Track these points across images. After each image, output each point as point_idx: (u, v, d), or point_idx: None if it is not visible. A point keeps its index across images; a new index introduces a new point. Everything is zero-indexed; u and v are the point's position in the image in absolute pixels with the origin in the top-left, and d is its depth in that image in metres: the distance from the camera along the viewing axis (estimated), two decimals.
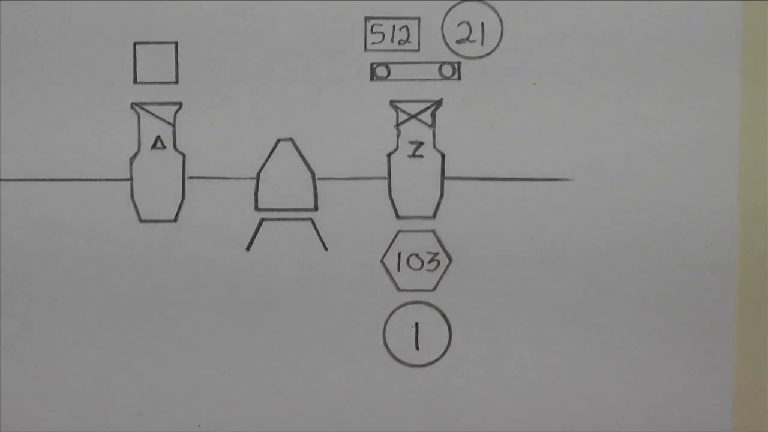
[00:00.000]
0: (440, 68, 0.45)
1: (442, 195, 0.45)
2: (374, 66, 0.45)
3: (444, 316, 0.46)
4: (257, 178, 0.45)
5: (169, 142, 0.45)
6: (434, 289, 0.46)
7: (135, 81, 0.45)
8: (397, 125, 0.45)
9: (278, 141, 0.45)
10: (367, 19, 0.45)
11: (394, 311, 0.46)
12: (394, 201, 0.46)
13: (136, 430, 0.46)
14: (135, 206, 0.45)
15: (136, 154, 0.45)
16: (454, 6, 0.45)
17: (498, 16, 0.45)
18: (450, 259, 0.46)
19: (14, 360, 0.46)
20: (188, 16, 0.45)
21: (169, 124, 0.45)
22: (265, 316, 0.46)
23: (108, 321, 0.46)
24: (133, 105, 0.45)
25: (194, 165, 0.45)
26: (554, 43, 0.45)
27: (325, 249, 0.46)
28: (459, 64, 0.45)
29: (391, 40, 0.45)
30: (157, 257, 0.45)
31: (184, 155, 0.45)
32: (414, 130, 0.45)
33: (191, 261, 0.45)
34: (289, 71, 0.45)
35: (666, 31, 0.44)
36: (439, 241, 0.46)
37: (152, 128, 0.45)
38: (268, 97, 0.45)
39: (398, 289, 0.46)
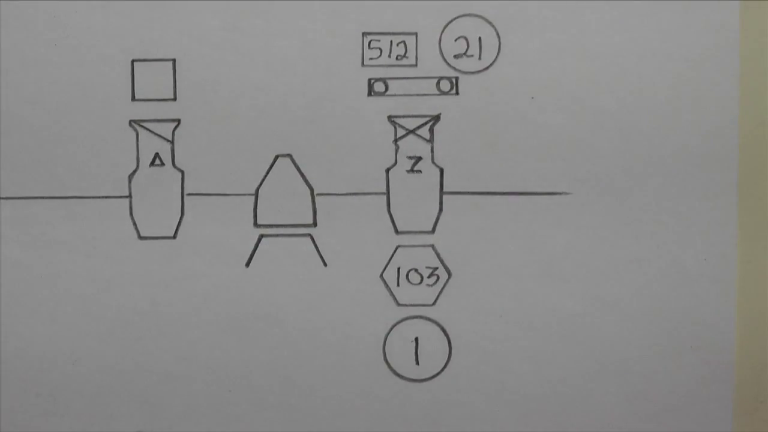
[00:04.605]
0: (438, 83, 0.45)
1: (440, 209, 0.45)
2: (372, 81, 0.45)
3: (444, 330, 0.46)
4: (256, 194, 0.45)
5: (167, 159, 0.45)
6: (434, 303, 0.46)
7: (133, 98, 0.45)
8: (396, 140, 0.45)
9: (277, 157, 0.45)
10: (364, 34, 0.45)
11: (393, 326, 0.46)
12: (393, 216, 0.46)
13: None
14: (134, 223, 0.45)
15: (134, 171, 0.45)
16: (451, 21, 0.45)
17: (495, 30, 0.45)
18: (449, 274, 0.46)
19: (14, 377, 0.46)
20: (186, 33, 0.45)
21: (168, 140, 0.45)
22: (264, 331, 0.46)
23: (108, 338, 0.46)
24: (131, 122, 0.45)
25: (193, 181, 0.45)
26: (552, 57, 0.45)
27: (325, 264, 0.46)
28: (457, 78, 0.45)
29: (389, 56, 0.45)
30: (156, 274, 0.45)
31: (182, 172, 0.45)
32: (412, 145, 0.45)
33: (191, 277, 0.45)
34: (287, 87, 0.45)
35: (663, 45, 0.44)
36: (438, 256, 0.46)
37: (151, 145, 0.45)
38: (266, 113, 0.45)
39: (398, 304, 0.46)
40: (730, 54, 0.44)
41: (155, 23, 0.45)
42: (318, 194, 0.45)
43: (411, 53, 0.45)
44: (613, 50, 0.44)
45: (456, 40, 0.45)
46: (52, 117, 0.45)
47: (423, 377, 0.46)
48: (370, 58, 0.45)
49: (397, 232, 0.46)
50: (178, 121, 0.45)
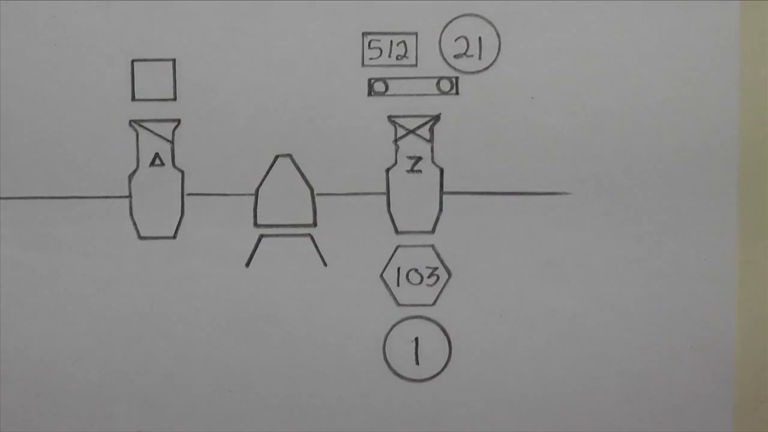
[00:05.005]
0: (438, 83, 0.45)
1: (440, 209, 0.45)
2: (372, 81, 0.45)
3: (444, 330, 0.46)
4: (256, 195, 0.45)
5: (167, 159, 0.45)
6: (434, 303, 0.46)
7: (133, 98, 0.45)
8: (396, 140, 0.45)
9: (277, 157, 0.45)
10: (364, 34, 0.45)
11: (393, 326, 0.46)
12: (393, 216, 0.46)
13: None
14: (134, 223, 0.45)
15: (134, 171, 0.45)
16: (451, 21, 0.45)
17: (495, 30, 0.45)
18: (449, 274, 0.46)
19: (15, 377, 0.46)
20: (186, 33, 0.45)
21: (168, 140, 0.45)
22: (264, 331, 0.46)
23: (108, 338, 0.46)
24: (131, 122, 0.45)
25: (193, 181, 0.45)
26: (552, 57, 0.45)
27: (325, 264, 0.46)
28: (457, 78, 0.45)
29: (389, 56, 0.45)
30: (156, 274, 0.45)
31: (182, 172, 0.45)
32: (412, 145, 0.45)
33: (191, 277, 0.45)
34: (287, 87, 0.45)
35: (663, 45, 0.44)
36: (439, 256, 0.46)
37: (151, 145, 0.45)
38: (266, 113, 0.45)
39: (398, 304, 0.46)
40: (730, 54, 0.44)
41: (155, 23, 0.45)
42: (318, 194, 0.45)
43: (411, 53, 0.45)
44: (613, 50, 0.44)
45: (456, 40, 0.45)
46: (52, 117, 0.45)
47: (423, 377, 0.46)
48: (370, 58, 0.45)
49: (397, 232, 0.46)
50: (178, 121, 0.45)
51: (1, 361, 0.46)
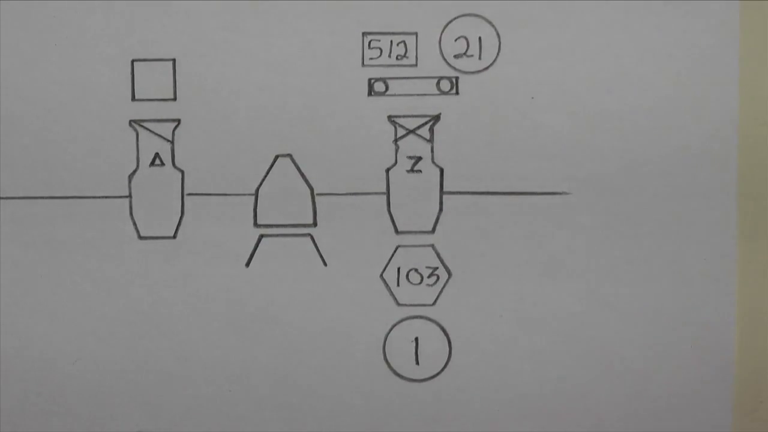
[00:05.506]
0: (438, 83, 0.45)
1: (441, 209, 0.45)
2: (372, 81, 0.45)
3: (444, 330, 0.46)
4: (256, 194, 0.45)
5: (167, 159, 0.45)
6: (434, 303, 0.46)
7: (133, 98, 0.45)
8: (396, 140, 0.45)
9: (277, 157, 0.45)
10: (364, 34, 0.45)
11: (394, 326, 0.46)
12: (393, 216, 0.46)
13: None
14: (134, 223, 0.45)
15: (134, 171, 0.45)
16: (451, 21, 0.45)
17: (495, 30, 0.45)
18: (449, 274, 0.46)
19: (14, 377, 0.46)
20: (186, 33, 0.45)
21: (168, 140, 0.45)
22: (264, 331, 0.46)
23: (108, 338, 0.46)
24: (131, 122, 0.45)
25: (193, 181, 0.45)
26: (552, 56, 0.45)
27: (325, 264, 0.46)
28: (457, 78, 0.45)
29: (389, 56, 0.45)
30: (156, 274, 0.46)
31: (182, 172, 0.45)
32: (412, 145, 0.45)
33: (191, 277, 0.45)
34: (287, 87, 0.45)
35: (663, 45, 0.44)
36: (439, 256, 0.46)
37: (151, 145, 0.45)
38: (266, 113, 0.45)
39: (398, 304, 0.46)
40: (730, 54, 0.44)
41: (155, 23, 0.45)
42: (318, 194, 0.45)
43: (411, 53, 0.45)
44: (613, 50, 0.44)
45: (456, 40, 0.45)
46: (52, 117, 0.45)
47: (423, 377, 0.46)
48: (370, 58, 0.45)
49: (397, 232, 0.46)
50: (178, 121, 0.45)
51: (1, 361, 0.46)
